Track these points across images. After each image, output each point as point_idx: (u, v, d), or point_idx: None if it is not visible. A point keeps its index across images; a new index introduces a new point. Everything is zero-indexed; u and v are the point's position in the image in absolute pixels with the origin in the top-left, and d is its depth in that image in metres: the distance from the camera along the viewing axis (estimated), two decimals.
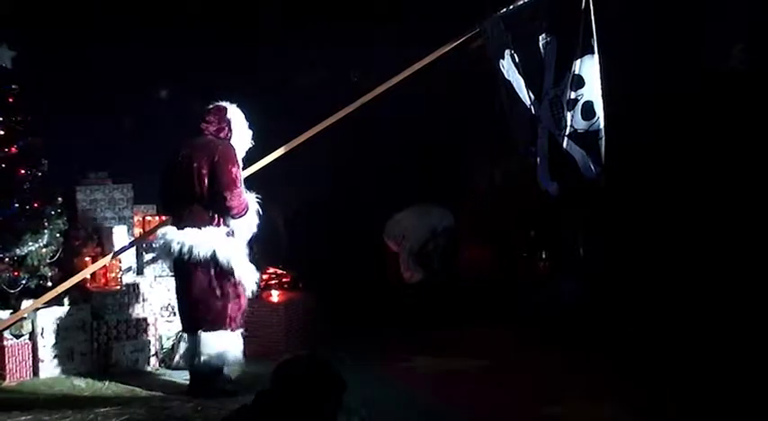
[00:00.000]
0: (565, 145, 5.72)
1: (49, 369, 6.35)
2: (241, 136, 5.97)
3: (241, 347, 5.94)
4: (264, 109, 8.46)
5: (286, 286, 7.74)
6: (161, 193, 6.09)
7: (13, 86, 6.57)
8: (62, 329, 6.40)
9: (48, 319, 6.36)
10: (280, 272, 7.86)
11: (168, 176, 5.92)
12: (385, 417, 5.32)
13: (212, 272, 5.76)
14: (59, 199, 6.72)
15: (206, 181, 5.71)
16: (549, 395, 5.66)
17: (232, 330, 5.88)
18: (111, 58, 7.74)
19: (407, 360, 6.82)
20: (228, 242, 5.77)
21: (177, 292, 6.07)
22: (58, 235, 6.62)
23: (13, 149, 6.50)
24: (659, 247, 10.14)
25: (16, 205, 6.46)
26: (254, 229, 5.98)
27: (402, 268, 7.99)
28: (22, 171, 6.52)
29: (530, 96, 5.84)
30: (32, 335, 6.35)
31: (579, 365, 6.46)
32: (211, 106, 5.99)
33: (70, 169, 7.05)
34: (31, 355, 6.32)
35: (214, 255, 5.70)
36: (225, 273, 5.79)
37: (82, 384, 6.16)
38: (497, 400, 5.66)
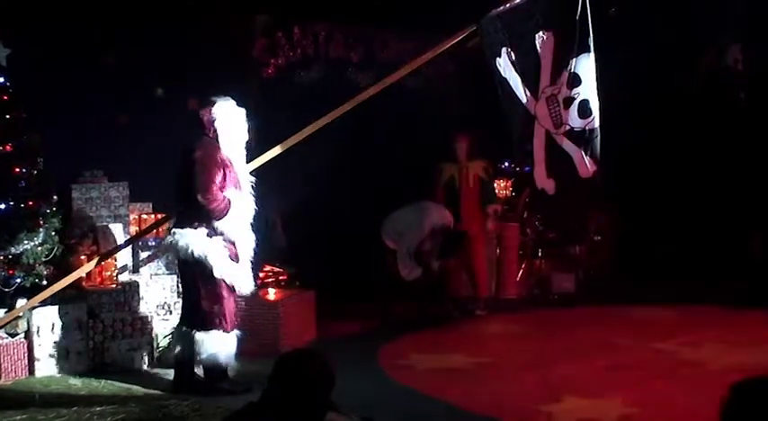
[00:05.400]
0: (561, 143, 5.72)
1: (45, 368, 6.32)
2: (231, 133, 5.87)
3: (234, 348, 5.92)
4: (262, 105, 8.50)
5: (283, 284, 7.72)
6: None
7: (8, 84, 6.55)
8: (58, 328, 6.38)
9: (43, 318, 6.34)
10: (277, 269, 7.84)
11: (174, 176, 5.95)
12: (384, 416, 5.32)
13: (196, 272, 5.77)
14: (55, 197, 6.70)
15: (187, 181, 5.71)
16: (548, 392, 5.66)
17: (225, 331, 5.85)
18: (106, 56, 7.71)
19: (406, 358, 6.81)
20: (205, 242, 5.73)
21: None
22: (53, 233, 6.59)
23: (9, 147, 6.48)
24: (655, 242, 10.21)
25: (11, 203, 6.44)
26: (245, 227, 5.92)
27: (399, 266, 7.98)
28: (18, 169, 6.50)
29: (526, 94, 5.84)
30: (28, 334, 6.33)
31: (578, 362, 6.46)
32: (206, 101, 5.93)
33: (66, 167, 7.02)
34: (26, 354, 6.29)
35: (192, 256, 5.71)
36: (208, 274, 5.76)
37: (78, 383, 6.14)
38: (496, 397, 5.66)
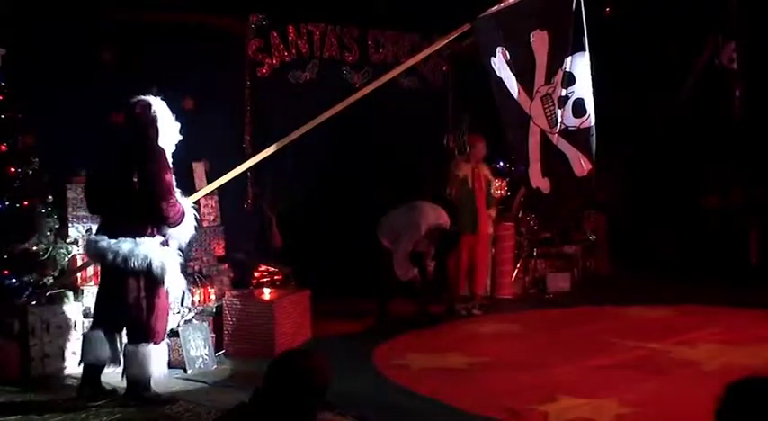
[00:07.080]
0: (556, 142, 5.73)
1: (40, 368, 6.30)
2: (168, 133, 5.62)
3: (165, 359, 5.71)
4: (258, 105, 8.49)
5: (278, 283, 7.71)
6: (88, 195, 5.88)
7: (3, 84, 6.54)
8: (53, 328, 6.35)
9: (38, 318, 6.32)
10: (272, 269, 7.83)
11: (98, 180, 5.76)
12: (379, 416, 5.32)
13: (142, 284, 5.53)
14: (50, 197, 6.69)
15: (138, 188, 5.45)
16: (544, 391, 5.66)
17: (155, 343, 5.62)
18: (102, 55, 7.71)
19: (401, 357, 6.81)
20: (163, 253, 5.52)
21: (104, 295, 5.77)
22: (48, 233, 6.58)
23: (4, 147, 6.47)
24: (652, 242, 10.24)
25: (7, 203, 6.42)
26: (192, 233, 5.78)
27: (395, 266, 7.97)
28: (13, 169, 6.48)
29: (521, 93, 5.84)
30: (23, 334, 6.31)
31: (574, 361, 6.46)
32: (135, 101, 5.65)
33: (61, 167, 7.00)
34: (21, 354, 6.27)
35: (148, 267, 5.45)
36: (155, 285, 5.54)
37: (73, 383, 6.12)
38: (492, 397, 5.66)
